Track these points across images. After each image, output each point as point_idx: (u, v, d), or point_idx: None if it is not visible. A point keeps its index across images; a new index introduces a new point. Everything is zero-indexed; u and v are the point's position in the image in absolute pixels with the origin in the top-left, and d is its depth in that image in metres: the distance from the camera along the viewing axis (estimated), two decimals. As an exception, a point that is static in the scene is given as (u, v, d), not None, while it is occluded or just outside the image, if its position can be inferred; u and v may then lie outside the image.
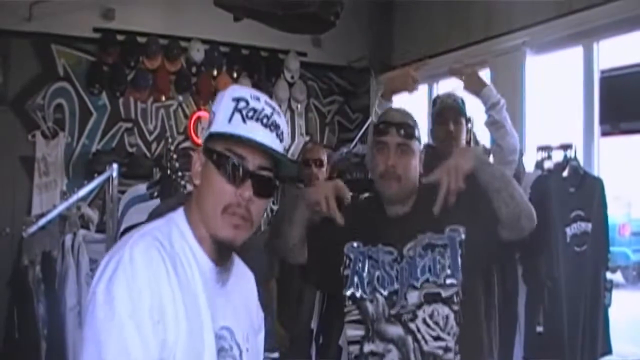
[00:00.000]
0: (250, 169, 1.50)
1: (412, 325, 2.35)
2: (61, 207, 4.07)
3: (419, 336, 2.34)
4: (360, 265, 2.45)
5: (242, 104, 1.52)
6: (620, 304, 4.42)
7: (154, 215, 3.01)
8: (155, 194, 3.74)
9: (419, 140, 2.48)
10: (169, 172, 3.84)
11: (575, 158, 3.77)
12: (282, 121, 1.58)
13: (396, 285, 2.39)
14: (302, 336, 3.75)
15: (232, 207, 1.49)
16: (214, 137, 1.53)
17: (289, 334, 3.86)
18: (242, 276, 1.70)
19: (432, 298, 2.35)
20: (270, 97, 1.57)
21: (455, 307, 2.34)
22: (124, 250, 1.40)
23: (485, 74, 5.58)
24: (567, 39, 5.00)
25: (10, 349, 3.84)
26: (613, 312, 3.82)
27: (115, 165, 4.02)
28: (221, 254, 1.55)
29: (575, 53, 4.96)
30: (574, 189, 3.67)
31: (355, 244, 2.47)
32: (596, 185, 3.77)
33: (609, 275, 3.83)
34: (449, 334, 2.33)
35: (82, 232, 4.09)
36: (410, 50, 6.87)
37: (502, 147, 3.22)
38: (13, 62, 6.20)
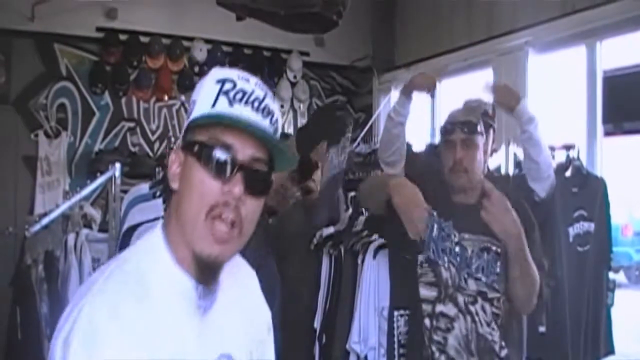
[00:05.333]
0: (240, 159, 1.22)
1: (471, 308, 2.63)
2: (64, 207, 4.06)
3: (476, 319, 2.63)
4: (435, 233, 2.71)
5: (228, 86, 1.25)
6: (622, 303, 4.42)
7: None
8: (158, 193, 3.74)
9: (482, 133, 2.72)
10: (171, 171, 3.82)
11: (578, 158, 3.77)
12: (276, 108, 1.31)
13: (461, 262, 2.67)
14: (305, 336, 3.74)
15: (218, 208, 1.21)
16: (193, 127, 1.27)
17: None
18: (239, 277, 1.41)
19: (482, 295, 2.63)
20: (273, 96, 1.32)
21: (497, 311, 2.62)
22: (81, 308, 1.16)
23: (487, 74, 5.61)
24: (570, 38, 4.99)
25: (13, 348, 3.85)
26: (616, 312, 3.82)
27: (117, 165, 4.01)
28: (204, 275, 1.27)
29: (578, 52, 4.95)
30: (577, 189, 3.67)
31: (433, 212, 2.70)
32: (599, 185, 3.77)
33: (611, 275, 3.84)
34: (493, 329, 2.62)
35: (84, 231, 4.09)
36: (413, 50, 6.87)
37: (539, 163, 3.23)
38: (16, 61, 6.21)
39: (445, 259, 2.69)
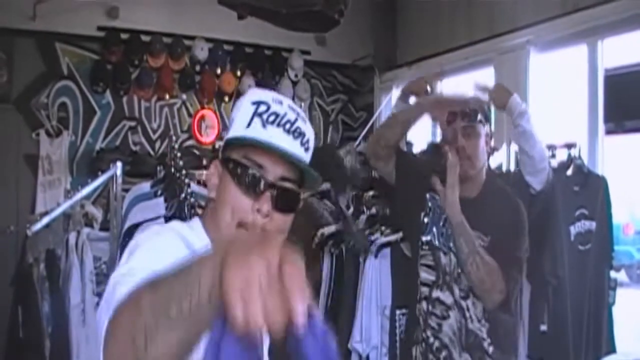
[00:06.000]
0: (270, 180, 1.34)
1: (463, 303, 2.68)
2: (65, 205, 4.07)
3: (467, 314, 2.66)
4: (437, 217, 2.77)
5: (262, 108, 1.37)
6: (624, 302, 4.41)
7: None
8: (159, 192, 3.74)
9: (482, 122, 2.77)
10: (172, 170, 3.83)
11: (580, 157, 3.76)
12: (308, 128, 1.41)
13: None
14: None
15: (246, 225, 1.33)
16: (231, 144, 1.40)
17: None
18: None
19: (474, 291, 2.66)
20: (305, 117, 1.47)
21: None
22: (141, 235, 1.31)
23: (489, 73, 5.61)
24: (571, 37, 4.99)
25: (15, 347, 3.85)
26: (617, 311, 3.81)
27: (119, 164, 4.02)
28: None
29: (580, 51, 4.95)
30: (578, 188, 3.67)
31: (434, 196, 2.77)
32: (600, 184, 3.77)
33: (613, 273, 3.83)
34: (484, 325, 2.65)
35: (86, 230, 4.09)
36: (414, 49, 6.87)
37: (534, 157, 3.22)
38: (17, 60, 6.21)
39: (446, 245, 2.73)
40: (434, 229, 2.76)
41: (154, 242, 1.25)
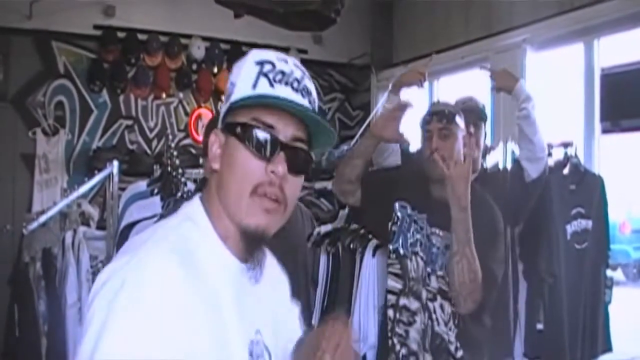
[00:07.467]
0: (282, 139, 1.26)
1: (430, 305, 2.65)
2: (61, 204, 4.07)
3: (433, 316, 2.64)
4: (406, 225, 2.74)
5: (267, 67, 1.28)
6: (620, 301, 4.42)
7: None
8: (156, 190, 3.74)
9: (459, 125, 2.72)
10: (169, 169, 3.83)
11: (576, 155, 3.77)
12: (313, 88, 1.34)
13: (427, 257, 2.70)
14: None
15: (262, 186, 1.24)
16: (234, 109, 1.29)
17: None
18: (275, 279, 1.47)
19: (442, 294, 2.64)
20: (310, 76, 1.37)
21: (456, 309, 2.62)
22: (131, 266, 1.14)
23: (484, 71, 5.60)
24: (567, 36, 5.00)
25: (11, 346, 3.85)
26: (613, 310, 3.82)
27: (115, 162, 4.02)
28: (250, 250, 1.29)
29: (576, 50, 4.96)
30: (575, 187, 3.67)
31: (404, 205, 2.76)
32: (596, 183, 3.77)
33: (609, 272, 3.84)
34: (450, 329, 2.61)
35: (82, 229, 4.09)
36: (411, 48, 6.87)
37: (534, 143, 3.25)
38: (14, 59, 6.20)
39: (413, 252, 2.71)
40: (401, 238, 2.73)
41: (149, 312, 1.10)
